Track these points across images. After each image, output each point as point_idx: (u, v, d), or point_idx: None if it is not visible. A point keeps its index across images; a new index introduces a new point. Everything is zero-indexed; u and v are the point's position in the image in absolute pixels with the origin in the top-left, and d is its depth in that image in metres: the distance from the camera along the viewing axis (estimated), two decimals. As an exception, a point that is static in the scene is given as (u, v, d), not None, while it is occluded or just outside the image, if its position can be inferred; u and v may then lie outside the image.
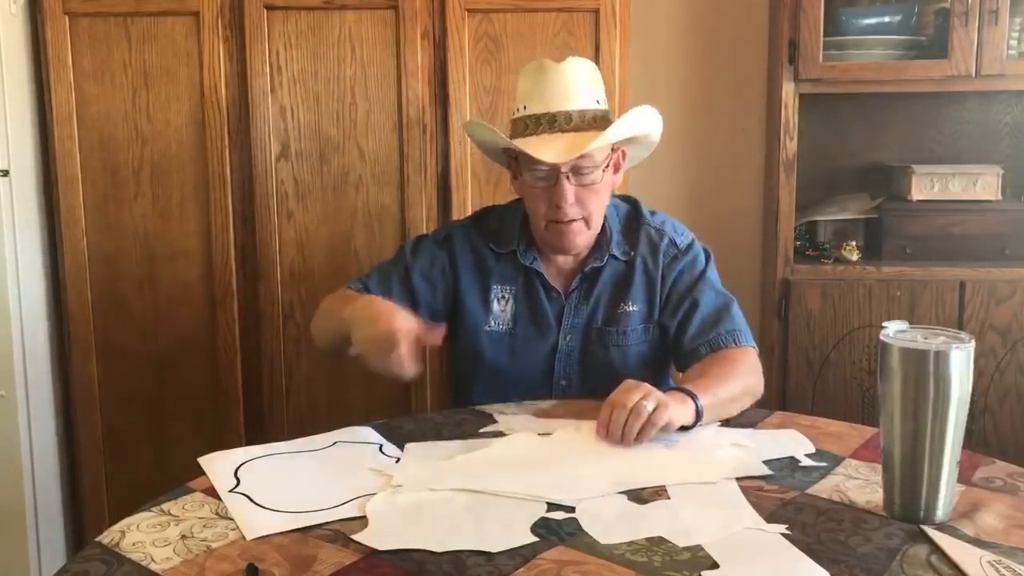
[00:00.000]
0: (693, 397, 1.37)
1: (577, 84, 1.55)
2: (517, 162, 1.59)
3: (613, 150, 1.59)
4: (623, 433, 1.30)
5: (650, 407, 1.30)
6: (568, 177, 1.52)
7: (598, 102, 1.58)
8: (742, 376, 1.51)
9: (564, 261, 1.66)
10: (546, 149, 1.50)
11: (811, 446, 1.34)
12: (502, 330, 1.65)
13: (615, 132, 1.54)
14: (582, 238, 1.60)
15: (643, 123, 1.59)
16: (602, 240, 1.64)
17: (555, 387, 1.64)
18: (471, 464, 1.26)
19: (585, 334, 1.65)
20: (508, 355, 1.65)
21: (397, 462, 1.27)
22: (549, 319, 1.65)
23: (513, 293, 1.66)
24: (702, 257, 1.68)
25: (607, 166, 1.56)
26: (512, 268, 1.66)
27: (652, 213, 1.71)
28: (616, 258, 1.65)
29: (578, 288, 1.65)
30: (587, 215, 1.56)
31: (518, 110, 1.58)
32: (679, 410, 1.34)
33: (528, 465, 1.26)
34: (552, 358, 1.65)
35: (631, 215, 1.70)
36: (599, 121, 1.55)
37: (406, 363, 1.32)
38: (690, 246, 1.68)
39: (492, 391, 1.62)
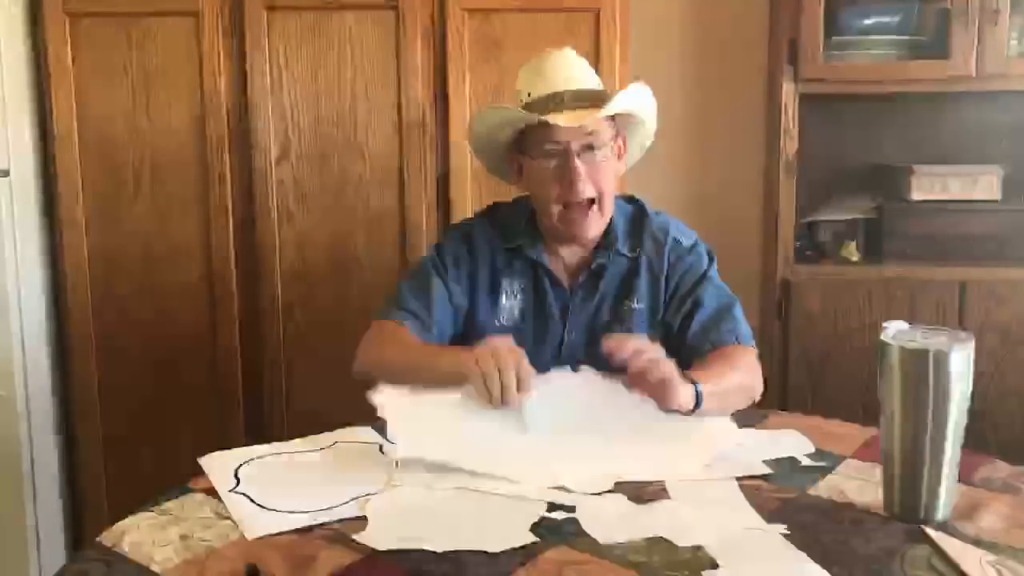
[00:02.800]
0: (693, 382, 1.37)
1: (577, 66, 1.61)
2: (523, 154, 1.60)
3: (616, 135, 1.61)
4: (646, 363, 1.29)
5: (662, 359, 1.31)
6: (578, 155, 1.54)
7: (599, 83, 1.62)
8: (742, 372, 1.51)
9: (570, 256, 1.66)
10: (561, 121, 1.52)
11: (811, 446, 1.34)
12: (510, 325, 1.65)
13: (624, 99, 1.56)
14: (596, 224, 1.60)
15: (646, 97, 1.62)
16: (608, 237, 1.64)
17: None
18: (470, 461, 1.26)
19: (590, 330, 1.65)
20: None
21: (396, 464, 1.27)
22: (554, 314, 1.65)
23: (521, 288, 1.67)
24: (705, 257, 1.68)
25: (613, 145, 1.59)
26: (520, 263, 1.67)
27: (657, 213, 1.72)
28: (622, 255, 1.65)
29: (584, 283, 1.65)
30: (599, 195, 1.57)
31: (522, 100, 1.59)
32: (682, 384, 1.34)
33: (526, 451, 1.26)
34: (558, 353, 1.65)
35: (636, 215, 1.70)
36: (603, 98, 1.58)
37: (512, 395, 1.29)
38: (694, 246, 1.69)
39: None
